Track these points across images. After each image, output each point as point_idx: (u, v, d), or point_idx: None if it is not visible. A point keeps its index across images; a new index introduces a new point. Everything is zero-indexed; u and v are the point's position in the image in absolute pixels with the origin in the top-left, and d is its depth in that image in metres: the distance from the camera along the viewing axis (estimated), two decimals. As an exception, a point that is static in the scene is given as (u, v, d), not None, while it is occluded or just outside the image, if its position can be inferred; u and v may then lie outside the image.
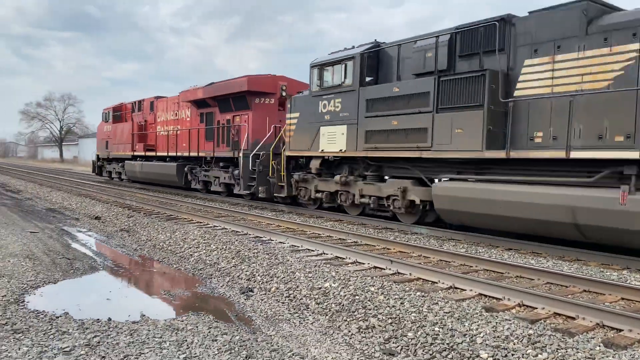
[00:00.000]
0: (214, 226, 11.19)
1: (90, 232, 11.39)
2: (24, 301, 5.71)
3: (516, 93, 8.94)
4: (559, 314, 5.21)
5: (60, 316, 5.15)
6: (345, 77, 11.95)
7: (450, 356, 4.42)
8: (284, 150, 14.19)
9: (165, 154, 21.26)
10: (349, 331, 5.18)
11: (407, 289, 6.03)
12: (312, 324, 5.44)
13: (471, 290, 6.07)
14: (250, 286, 6.82)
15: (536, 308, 5.39)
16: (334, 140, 12.32)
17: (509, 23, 9.18)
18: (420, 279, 6.70)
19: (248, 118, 16.55)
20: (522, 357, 4.21)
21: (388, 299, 5.69)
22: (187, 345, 4.45)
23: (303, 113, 13.40)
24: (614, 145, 7.71)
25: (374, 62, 11.75)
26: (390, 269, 7.14)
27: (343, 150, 12.06)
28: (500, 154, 8.89)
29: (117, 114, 26.16)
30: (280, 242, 9.27)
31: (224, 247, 8.71)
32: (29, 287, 6.31)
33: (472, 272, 7.13)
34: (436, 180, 10.41)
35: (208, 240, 9.35)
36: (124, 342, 4.41)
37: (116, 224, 12.20)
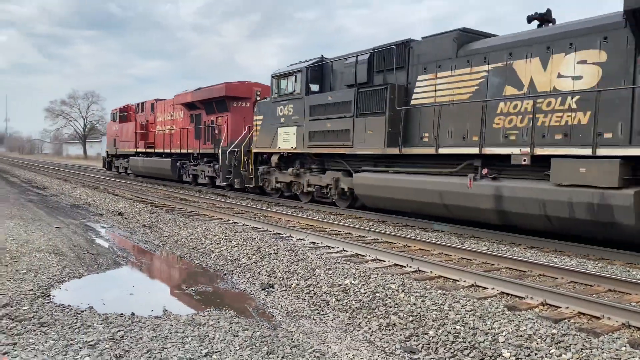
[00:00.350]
0: (235, 223, 11.27)
1: (114, 227, 11.56)
2: (50, 295, 5.82)
3: (412, 102, 11.21)
4: (584, 314, 5.13)
5: (85, 310, 5.24)
6: (295, 87, 14.23)
7: (472, 355, 4.39)
8: (252, 147, 16.56)
9: (162, 150, 23.85)
10: (370, 328, 5.17)
11: (428, 286, 6.00)
12: (332, 320, 5.45)
13: (493, 288, 6.01)
14: (270, 282, 6.85)
15: (560, 307, 5.31)
16: (287, 140, 14.58)
17: (408, 46, 11.35)
18: (442, 276, 6.65)
19: (227, 119, 18.98)
20: (546, 356, 4.16)
21: (409, 296, 5.66)
22: (209, 341, 4.50)
23: (265, 116, 15.66)
24: (472, 144, 9.82)
25: (319, 74, 13.91)
26: (411, 267, 7.11)
27: (294, 148, 14.31)
28: (395, 150, 11.19)
29: (124, 114, 28.69)
30: (300, 239, 9.30)
31: (245, 243, 8.76)
32: (54, 281, 6.44)
33: (494, 270, 7.06)
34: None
35: (229, 236, 9.42)
36: (147, 337, 4.47)
37: (139, 220, 12.36)
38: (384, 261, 7.52)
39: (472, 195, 9.52)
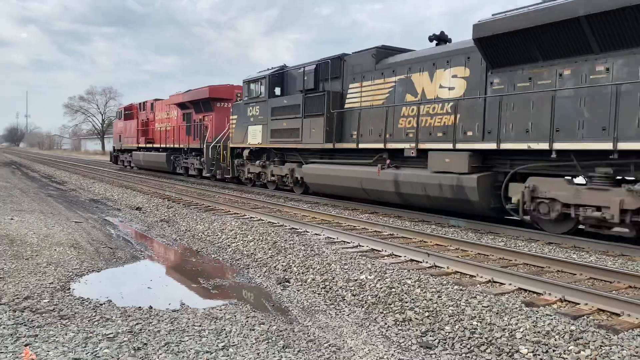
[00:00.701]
0: (251, 217, 11.32)
1: (132, 222, 11.69)
2: (69, 288, 5.91)
3: (346, 106, 13.52)
4: (603, 310, 5.06)
5: (104, 303, 5.31)
6: (261, 91, 16.78)
7: (488, 351, 4.36)
8: (229, 143, 19.23)
9: (159, 145, 26.82)
10: (386, 323, 5.17)
11: (445, 282, 5.97)
12: (348, 315, 5.45)
13: (510, 284, 5.96)
14: (286, 277, 6.87)
15: (579, 304, 5.25)
16: (255, 136, 17.18)
17: (343, 59, 13.69)
18: (458, 272, 6.62)
19: (212, 118, 21.53)
20: (564, 353, 4.12)
21: (425, 292, 5.64)
22: (226, 334, 4.53)
23: (239, 116, 18.26)
24: (383, 140, 12.26)
25: (280, 80, 16.34)
26: (427, 262, 7.08)
27: (260, 143, 16.98)
28: (330, 145, 13.62)
29: (128, 112, 31.64)
30: (316, 234, 9.31)
31: (261, 238, 8.80)
32: (74, 275, 6.53)
33: (512, 265, 7.00)
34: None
35: (245, 231, 9.47)
36: (165, 330, 4.52)
37: (156, 214, 12.48)
38: (400, 256, 7.50)
39: (381, 180, 12.09)
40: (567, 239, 8.70)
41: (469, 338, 4.59)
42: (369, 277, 6.29)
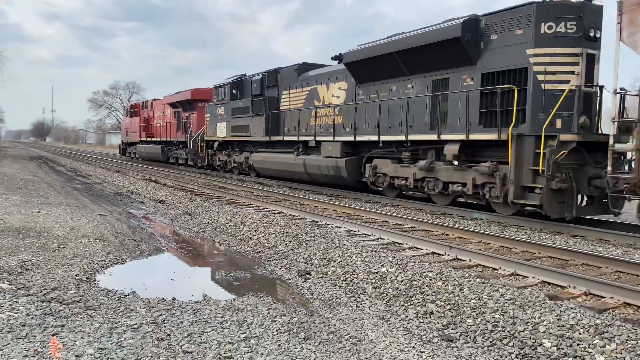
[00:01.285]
0: (272, 210, 11.38)
1: (155, 215, 11.85)
2: (95, 280, 6.03)
3: (280, 108, 17.57)
4: (630, 304, 4.97)
5: (128, 295, 5.40)
6: (225, 95, 20.80)
7: (511, 344, 4.32)
8: (205, 136, 23.50)
9: (156, 139, 31.52)
10: (407, 316, 5.15)
11: (467, 275, 5.92)
12: (369, 308, 5.45)
13: (534, 277, 5.89)
14: (307, 269, 6.90)
15: (604, 297, 5.17)
16: (222, 131, 21.42)
17: (278, 72, 17.80)
18: (480, 265, 6.56)
19: (195, 116, 25.83)
20: (589, 347, 4.06)
21: (447, 284, 5.61)
22: (247, 326, 4.57)
23: (211, 114, 22.47)
24: (301, 134, 16.26)
25: (238, 86, 20.23)
26: (449, 255, 7.03)
27: (225, 137, 21.31)
28: (267, 138, 17.87)
29: (133, 110, 36.39)
30: (337, 227, 9.31)
31: (282, 230, 8.84)
32: (99, 266, 6.65)
33: (535, 259, 6.91)
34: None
35: (266, 224, 9.52)
36: (188, 321, 4.58)
37: (179, 207, 12.63)
38: (422, 249, 7.46)
39: (296, 164, 16.27)
40: (593, 231, 8.55)
41: (491, 331, 4.55)
42: (390, 269, 6.28)
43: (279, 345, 4.17)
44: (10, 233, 7.99)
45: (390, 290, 5.79)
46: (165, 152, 30.18)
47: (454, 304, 5.16)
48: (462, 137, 10.64)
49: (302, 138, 16.29)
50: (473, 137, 10.47)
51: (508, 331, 4.49)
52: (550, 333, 4.31)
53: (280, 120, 17.61)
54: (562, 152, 8.82)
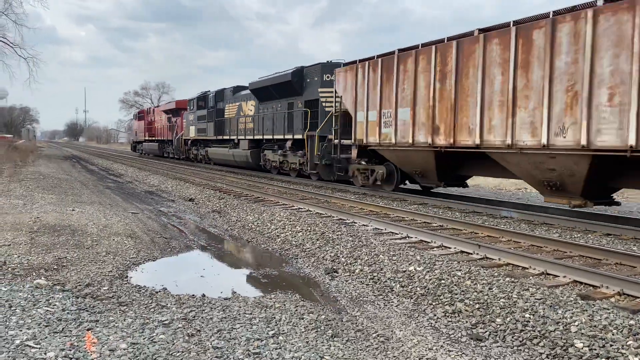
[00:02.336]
0: (299, 208, 11.44)
1: (185, 213, 12.04)
2: (127, 276, 6.16)
3: (224, 116, 25.63)
4: (665, 305, 4.85)
5: (160, 291, 5.51)
6: (193, 106, 29.58)
7: (542, 344, 4.27)
8: (182, 136, 32.78)
9: (156, 139, 40.08)
10: (435, 315, 5.13)
11: (496, 274, 5.86)
12: (396, 306, 5.44)
13: (565, 276, 5.79)
14: (334, 267, 6.92)
15: (638, 298, 5.04)
16: (192, 132, 30.09)
17: (224, 91, 26.08)
18: (510, 264, 6.48)
19: (180, 120, 33.80)
20: (622, 348, 3.97)
21: (475, 284, 5.56)
22: (276, 322, 4.62)
23: (187, 120, 31.49)
24: (234, 134, 24.64)
25: (203, 100, 28.51)
26: (477, 254, 6.96)
27: (193, 136, 29.96)
28: (214, 137, 26.44)
29: (140, 115, 46.44)
30: (364, 225, 9.31)
31: (309, 228, 8.88)
32: (131, 263, 6.80)
33: (566, 258, 6.79)
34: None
35: (293, 222, 9.58)
36: (217, 317, 4.66)
37: (208, 205, 12.80)
38: (450, 248, 7.41)
39: (229, 154, 24.62)
40: (628, 230, 8.35)
41: (521, 331, 4.50)
42: (417, 268, 6.25)
43: (307, 342, 4.20)
44: (46, 231, 8.23)
45: (418, 288, 5.77)
46: (162, 149, 39.16)
47: (483, 303, 5.11)
48: (291, 136, 19.10)
49: (232, 137, 24.76)
50: (297, 136, 18.68)
51: (538, 331, 4.43)
52: (582, 333, 4.24)
53: (223, 125, 25.95)
54: (326, 144, 16.55)
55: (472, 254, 7.03)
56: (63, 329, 4.14)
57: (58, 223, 8.89)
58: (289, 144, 19.30)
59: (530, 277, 5.86)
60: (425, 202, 12.39)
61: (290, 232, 8.98)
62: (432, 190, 14.61)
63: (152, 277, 6.34)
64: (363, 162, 14.81)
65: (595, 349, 4.02)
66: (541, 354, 4.16)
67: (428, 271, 6.10)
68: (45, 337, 3.93)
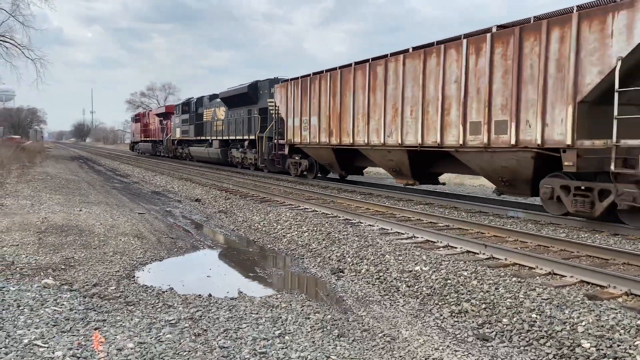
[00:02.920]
0: (305, 209, 11.45)
1: (191, 213, 12.08)
2: (134, 276, 6.20)
3: (203, 120, 30.49)
4: (673, 305, 4.83)
5: (166, 291, 5.54)
6: (179, 111, 34.47)
7: (548, 344, 4.25)
8: (171, 137, 37.46)
9: (149, 139, 45.36)
10: (441, 315, 5.13)
11: (502, 274, 5.84)
12: (402, 306, 5.44)
13: (572, 276, 5.76)
14: (340, 267, 6.93)
15: (646, 298, 5.02)
16: (178, 133, 35.13)
17: (202, 99, 31.35)
18: (517, 264, 6.46)
19: (169, 123, 38.48)
20: (630, 348, 3.95)
21: (482, 283, 5.55)
22: (282, 322, 4.63)
23: (174, 123, 36.24)
24: (210, 135, 29.43)
25: (186, 105, 33.29)
26: (484, 254, 6.95)
27: (179, 137, 35.06)
28: (195, 138, 31.58)
29: (137, 118, 51.61)
30: (370, 225, 9.31)
31: (315, 229, 8.89)
32: (138, 263, 6.84)
33: (574, 258, 6.76)
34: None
35: (299, 222, 9.59)
36: (224, 317, 4.67)
37: (215, 205, 12.83)
38: (456, 248, 7.39)
39: (205, 152, 29.58)
40: (636, 230, 8.30)
41: (528, 331, 4.49)
42: (423, 268, 6.25)
43: (313, 342, 4.21)
44: (54, 231, 8.28)
45: (424, 288, 5.76)
46: (154, 148, 44.47)
47: (489, 303, 5.10)
48: (248, 137, 23.43)
49: (208, 138, 29.31)
50: (251, 137, 23.04)
51: (545, 331, 4.42)
52: (589, 333, 4.22)
53: (202, 127, 30.43)
54: (271, 144, 20.85)
55: (478, 253, 7.02)
56: (71, 328, 4.17)
57: (65, 223, 8.94)
58: (246, 143, 23.99)
59: (537, 277, 5.84)
60: (431, 202, 12.38)
61: (296, 232, 8.99)
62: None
63: (159, 277, 6.37)
64: (296, 157, 19.19)
65: (602, 349, 4.00)
66: (548, 354, 4.15)
67: (434, 271, 6.10)
68: (53, 337, 3.96)
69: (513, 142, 9.66)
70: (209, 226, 10.45)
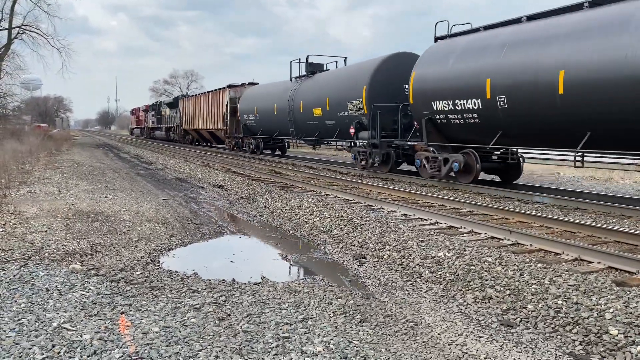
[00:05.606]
0: (327, 195, 11.44)
1: (215, 199, 12.18)
2: (159, 262, 6.29)
3: (161, 115, 49.22)
4: None
5: (191, 276, 5.61)
6: (151, 110, 54.40)
7: (575, 331, 4.19)
8: (147, 125, 58.34)
9: (139, 127, 62.94)
10: (465, 301, 5.09)
11: (527, 260, 5.76)
12: (425, 292, 5.41)
13: (599, 262, 5.65)
14: (362, 253, 6.92)
15: (677, 284, 4.91)
16: (151, 123, 54.86)
17: (161, 103, 51.36)
18: (542, 250, 6.36)
19: (149, 115, 55.26)
20: (659, 336, 3.87)
21: (506, 269, 5.49)
22: (305, 307, 4.65)
23: (150, 116, 56.10)
24: (165, 125, 49.97)
25: (155, 106, 52.83)
26: (509, 240, 6.86)
27: (151, 125, 55.31)
28: (157, 125, 51.66)
29: (133, 111, 69.75)
30: (392, 211, 9.26)
31: (337, 215, 8.88)
32: (163, 249, 6.93)
33: (601, 243, 6.63)
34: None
35: (321, 208, 9.59)
36: (247, 302, 4.71)
37: (237, 192, 12.92)
38: (480, 234, 7.31)
39: (162, 134, 50.94)
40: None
41: (553, 317, 4.43)
42: (447, 254, 6.20)
43: (336, 327, 4.22)
44: (81, 217, 8.44)
45: (447, 274, 5.72)
46: (142, 132, 60.37)
47: (514, 289, 5.04)
48: (174, 125, 44.64)
49: (162, 125, 46.12)
50: (175, 125, 44.26)
51: (571, 318, 4.35)
52: (617, 320, 4.14)
53: (161, 120, 46.82)
54: (181, 128, 41.50)
55: (502, 239, 6.93)
56: (98, 312, 4.25)
57: (92, 210, 9.10)
58: (174, 128, 43.42)
59: (563, 263, 5.75)
60: (455, 188, 12.26)
61: (318, 218, 9.00)
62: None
63: (183, 262, 6.45)
64: (189, 135, 39.26)
65: (630, 336, 3.92)
66: (574, 340, 4.08)
67: (458, 257, 6.05)
68: (81, 320, 4.05)
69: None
70: (232, 212, 10.53)
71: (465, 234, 7.36)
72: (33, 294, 4.66)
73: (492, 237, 7.09)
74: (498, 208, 8.96)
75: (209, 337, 3.83)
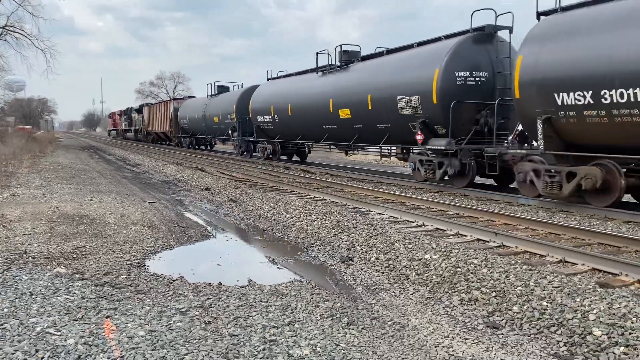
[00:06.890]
0: (314, 197, 11.45)
1: (201, 202, 12.12)
2: (145, 265, 6.24)
3: (132, 119, 57.89)
4: (686, 293, 4.79)
5: (177, 279, 5.57)
6: (124, 114, 62.11)
7: (559, 332, 4.23)
8: (121, 127, 66.43)
9: (115, 129, 71.01)
10: (451, 303, 5.12)
11: (513, 262, 5.82)
12: (412, 294, 5.44)
13: (583, 264, 5.72)
14: (350, 255, 6.93)
15: (659, 285, 4.98)
16: (124, 125, 64.24)
17: (132, 109, 58.31)
18: (527, 252, 6.42)
19: (123, 119, 62.89)
20: (642, 336, 3.92)
21: (492, 271, 5.53)
22: (292, 310, 4.64)
23: (123, 119, 65.72)
24: (135, 127, 57.99)
25: (127, 111, 60.77)
26: (494, 242, 6.91)
27: (124, 127, 64.39)
28: (129, 127, 63.03)
29: (109, 115, 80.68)
30: (379, 213, 9.29)
31: (324, 217, 8.89)
32: (148, 252, 6.88)
33: (585, 245, 6.71)
34: None
35: (309, 210, 9.59)
36: (234, 305, 4.69)
37: (224, 194, 12.87)
38: (466, 236, 7.36)
39: (133, 135, 59.97)
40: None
41: (538, 319, 4.47)
42: (433, 256, 6.23)
43: (323, 330, 4.22)
44: (65, 220, 8.35)
45: (434, 277, 5.75)
46: (118, 134, 66.65)
47: (500, 291, 5.08)
48: (139, 127, 55.28)
49: (132, 127, 55.26)
50: (139, 127, 56.29)
51: (556, 319, 4.39)
52: (600, 321, 4.20)
53: (131, 123, 55.29)
54: (144, 130, 51.32)
55: (488, 241, 6.98)
56: (82, 316, 4.21)
57: (77, 213, 9.01)
58: (138, 129, 50.62)
59: (548, 265, 5.81)
60: (441, 191, 12.32)
61: (305, 221, 8.99)
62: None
63: (169, 265, 6.41)
64: (151, 135, 46.58)
65: (614, 337, 3.98)
66: (559, 341, 4.13)
67: (444, 259, 6.08)
68: (66, 325, 4.00)
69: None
70: (218, 215, 10.49)
71: (451, 236, 7.41)
72: (16, 298, 4.59)
73: (478, 239, 7.14)
74: (484, 210, 9.03)
75: (195, 341, 3.81)
